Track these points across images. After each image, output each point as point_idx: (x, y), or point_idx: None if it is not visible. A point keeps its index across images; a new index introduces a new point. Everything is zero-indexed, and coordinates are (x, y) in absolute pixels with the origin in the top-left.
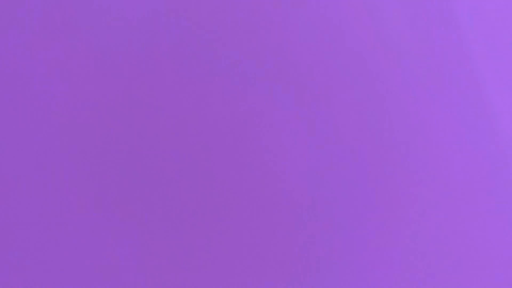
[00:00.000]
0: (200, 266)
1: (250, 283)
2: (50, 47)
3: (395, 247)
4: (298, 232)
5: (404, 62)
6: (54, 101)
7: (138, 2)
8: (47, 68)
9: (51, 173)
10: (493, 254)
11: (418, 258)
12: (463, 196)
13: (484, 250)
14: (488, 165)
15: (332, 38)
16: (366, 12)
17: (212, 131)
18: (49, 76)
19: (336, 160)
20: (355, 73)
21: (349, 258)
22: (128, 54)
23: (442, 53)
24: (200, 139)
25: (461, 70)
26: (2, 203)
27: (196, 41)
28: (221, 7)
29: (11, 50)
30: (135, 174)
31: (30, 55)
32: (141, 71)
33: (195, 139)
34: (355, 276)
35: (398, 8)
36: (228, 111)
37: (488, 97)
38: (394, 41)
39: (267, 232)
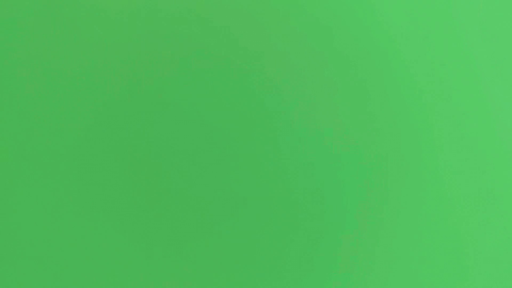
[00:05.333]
0: (200, 265)
1: (250, 283)
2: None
3: (396, 246)
4: (299, 231)
5: (404, 62)
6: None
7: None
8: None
9: (51, 173)
10: (493, 254)
11: (418, 258)
12: (463, 196)
13: (484, 250)
14: (488, 165)
15: (333, 38)
16: (367, 12)
17: (212, 131)
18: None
19: (338, 160)
20: (355, 73)
21: (349, 258)
22: (128, 54)
23: (442, 53)
24: (200, 140)
25: (461, 70)
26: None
27: (197, 41)
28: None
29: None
30: (137, 174)
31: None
32: (141, 71)
33: (195, 139)
34: (356, 275)
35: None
36: (229, 110)
37: (488, 97)
38: (394, 41)
39: (268, 232)
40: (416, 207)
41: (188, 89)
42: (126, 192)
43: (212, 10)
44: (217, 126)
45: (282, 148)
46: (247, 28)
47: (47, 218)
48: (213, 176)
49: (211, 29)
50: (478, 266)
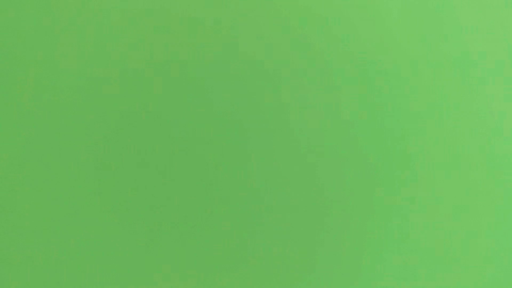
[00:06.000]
0: (199, 265)
1: (249, 282)
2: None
3: (395, 246)
4: (296, 231)
5: (404, 62)
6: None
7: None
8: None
9: (52, 172)
10: (492, 254)
11: (417, 258)
12: (462, 196)
13: (483, 250)
14: (487, 165)
15: (333, 38)
16: (368, 12)
17: (210, 131)
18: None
19: (337, 159)
20: (356, 72)
21: (349, 257)
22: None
23: (441, 53)
24: (197, 139)
25: (461, 70)
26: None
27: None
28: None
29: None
30: (137, 174)
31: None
32: (142, 71)
33: (193, 139)
34: (355, 275)
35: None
36: (229, 110)
37: (488, 97)
38: (395, 41)
39: (266, 232)
40: (415, 207)
41: (188, 89)
42: (126, 191)
43: (211, 11)
44: (219, 126)
45: (281, 148)
46: (247, 27)
47: (46, 218)
48: (213, 176)
49: (209, 30)
50: (478, 267)
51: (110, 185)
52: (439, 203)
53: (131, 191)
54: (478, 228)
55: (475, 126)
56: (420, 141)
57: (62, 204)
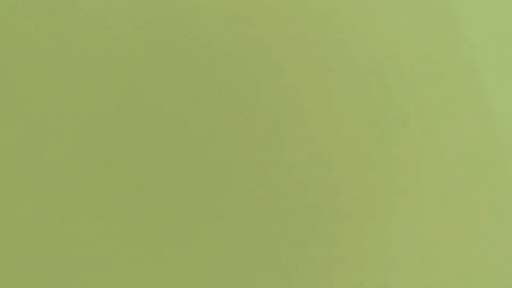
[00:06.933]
0: (198, 266)
1: (249, 283)
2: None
3: (394, 246)
4: (298, 231)
5: (404, 62)
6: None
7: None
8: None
9: (51, 173)
10: (491, 254)
11: (417, 258)
12: (462, 196)
13: (483, 250)
14: (487, 165)
15: (330, 37)
16: (368, 12)
17: (212, 132)
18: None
19: (336, 159)
20: (354, 72)
21: (349, 257)
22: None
23: (442, 53)
24: (199, 139)
25: (461, 70)
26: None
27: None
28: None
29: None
30: (136, 175)
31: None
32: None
33: (195, 138)
34: (354, 275)
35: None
36: (230, 110)
37: (488, 97)
38: (395, 41)
39: (267, 232)
40: (415, 208)
41: (186, 90)
42: (121, 194)
43: (208, 12)
44: (217, 127)
45: (279, 148)
46: (245, 27)
47: (43, 219)
48: (213, 177)
49: (207, 31)
50: (478, 268)
51: (105, 187)
52: (440, 204)
53: (125, 194)
54: (479, 229)
55: (475, 126)
56: (421, 141)
57: (58, 206)
